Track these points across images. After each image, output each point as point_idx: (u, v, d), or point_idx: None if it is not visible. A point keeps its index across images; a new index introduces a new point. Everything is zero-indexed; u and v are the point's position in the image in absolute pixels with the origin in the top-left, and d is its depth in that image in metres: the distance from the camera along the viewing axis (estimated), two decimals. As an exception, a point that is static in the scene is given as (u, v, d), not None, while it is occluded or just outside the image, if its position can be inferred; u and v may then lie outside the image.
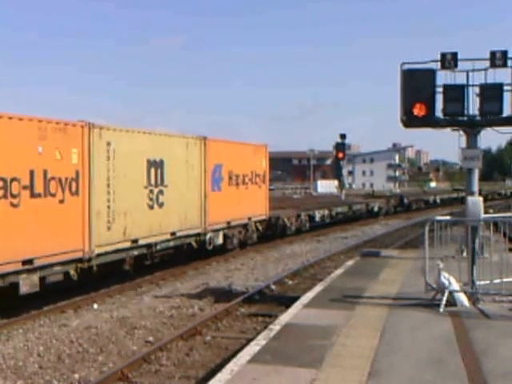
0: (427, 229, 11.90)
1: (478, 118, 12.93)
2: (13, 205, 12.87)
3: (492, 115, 12.77)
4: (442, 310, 10.99)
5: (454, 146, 13.61)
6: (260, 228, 26.24)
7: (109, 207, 15.90)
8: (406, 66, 13.08)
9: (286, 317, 10.97)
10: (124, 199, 16.45)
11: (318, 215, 33.46)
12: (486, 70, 12.66)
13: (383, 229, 35.97)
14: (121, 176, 16.34)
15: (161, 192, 18.27)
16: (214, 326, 12.93)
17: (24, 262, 13.11)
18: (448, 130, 13.85)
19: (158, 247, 18.56)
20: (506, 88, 12.64)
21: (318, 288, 13.76)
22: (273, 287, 16.83)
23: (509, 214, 15.56)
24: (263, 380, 7.56)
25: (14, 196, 12.88)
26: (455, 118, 13.02)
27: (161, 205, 18.26)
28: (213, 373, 8.89)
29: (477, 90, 12.78)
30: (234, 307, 14.37)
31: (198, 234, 20.81)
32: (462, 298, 11.42)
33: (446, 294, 11.21)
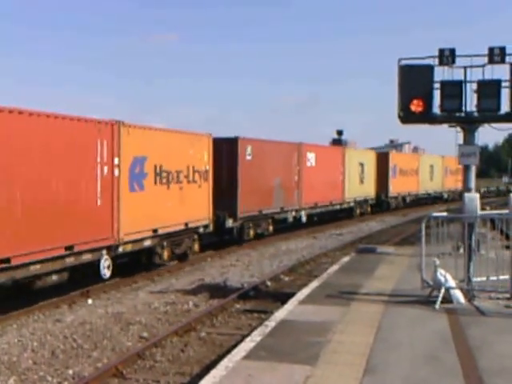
0: (424, 225, 11.87)
1: (476, 114, 12.88)
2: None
3: (489, 112, 12.71)
4: (437, 306, 10.98)
5: (452, 143, 13.55)
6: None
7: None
8: (404, 62, 13.03)
9: (281, 313, 10.95)
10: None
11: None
12: (483, 66, 12.60)
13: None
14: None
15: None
16: (209, 322, 12.89)
17: None
18: (445, 126, 13.81)
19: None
20: (503, 84, 12.57)
21: (314, 284, 13.75)
22: (268, 283, 16.81)
23: (505, 211, 15.51)
24: (258, 376, 7.53)
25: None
26: (452, 114, 12.96)
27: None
28: (208, 369, 8.85)
29: (474, 86, 12.70)
30: (230, 303, 14.34)
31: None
32: (458, 295, 11.41)
33: (442, 290, 11.20)
